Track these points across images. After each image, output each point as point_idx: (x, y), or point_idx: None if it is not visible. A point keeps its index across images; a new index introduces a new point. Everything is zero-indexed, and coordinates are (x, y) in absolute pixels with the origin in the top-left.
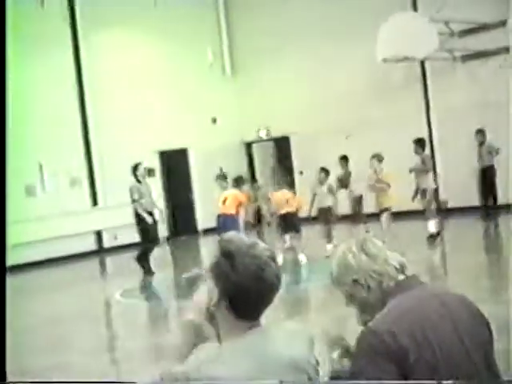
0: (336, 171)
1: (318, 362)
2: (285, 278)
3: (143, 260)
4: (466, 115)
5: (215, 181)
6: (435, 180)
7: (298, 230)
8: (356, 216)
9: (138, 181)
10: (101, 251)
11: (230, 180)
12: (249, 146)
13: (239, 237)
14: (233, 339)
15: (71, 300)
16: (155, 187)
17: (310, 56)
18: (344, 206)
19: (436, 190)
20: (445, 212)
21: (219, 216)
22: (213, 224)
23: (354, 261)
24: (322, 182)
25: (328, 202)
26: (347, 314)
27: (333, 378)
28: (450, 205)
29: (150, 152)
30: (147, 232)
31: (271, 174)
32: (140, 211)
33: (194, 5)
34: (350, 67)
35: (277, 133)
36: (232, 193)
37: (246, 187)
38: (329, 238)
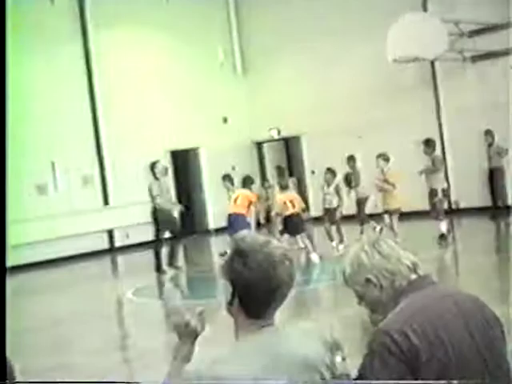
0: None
1: (333, 363)
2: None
3: (172, 257)
4: (476, 116)
5: (222, 181)
6: (447, 180)
7: (302, 231)
8: (358, 217)
9: (156, 178)
10: (112, 250)
11: (236, 181)
12: (259, 145)
13: (253, 235)
14: (246, 338)
15: (83, 299)
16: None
17: (321, 56)
18: (350, 207)
19: (446, 191)
20: (456, 212)
21: (230, 215)
22: (224, 223)
23: (367, 260)
24: (328, 183)
25: (335, 202)
26: (356, 314)
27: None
28: (462, 205)
29: (161, 151)
30: (169, 224)
31: (276, 175)
32: (160, 207)
33: (205, 3)
34: (360, 67)
35: (288, 132)
36: (243, 192)
37: (256, 187)
38: (340, 237)
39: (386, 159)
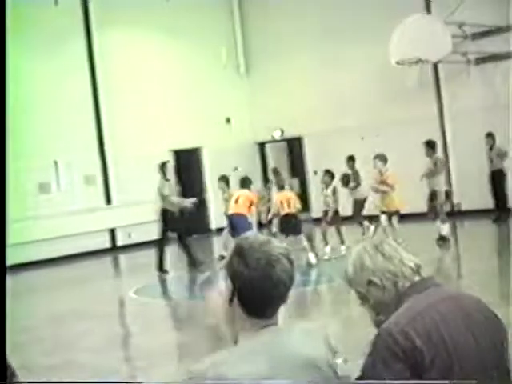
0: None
1: (336, 364)
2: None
3: (188, 254)
4: (479, 118)
5: (218, 182)
6: (449, 182)
7: (298, 232)
8: (357, 217)
9: (167, 179)
10: (114, 249)
11: (234, 182)
12: (262, 146)
13: (255, 235)
14: (247, 337)
15: (85, 298)
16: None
17: (324, 57)
18: (348, 209)
19: (448, 193)
20: (458, 214)
21: (231, 215)
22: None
23: (369, 261)
24: (326, 185)
25: (332, 204)
26: (356, 315)
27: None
28: (464, 207)
29: (164, 151)
30: (176, 224)
31: (273, 176)
32: (172, 207)
33: (209, 4)
34: (364, 69)
35: (290, 133)
36: (244, 192)
37: (255, 187)
38: (340, 239)
39: (384, 160)
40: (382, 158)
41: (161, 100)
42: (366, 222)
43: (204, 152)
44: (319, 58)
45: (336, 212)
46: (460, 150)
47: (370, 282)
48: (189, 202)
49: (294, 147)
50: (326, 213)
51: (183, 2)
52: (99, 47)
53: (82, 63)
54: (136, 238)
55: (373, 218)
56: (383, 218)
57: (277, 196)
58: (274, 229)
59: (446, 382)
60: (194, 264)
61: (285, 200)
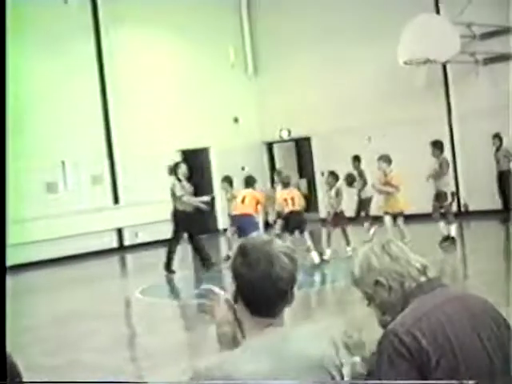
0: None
1: (342, 364)
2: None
3: (200, 255)
4: (487, 118)
5: (221, 183)
6: (456, 183)
7: (302, 230)
8: (366, 218)
9: (179, 179)
10: (121, 249)
11: (237, 182)
12: (270, 145)
13: (258, 236)
14: (253, 337)
15: (91, 297)
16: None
17: (332, 56)
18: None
19: (454, 193)
20: (465, 215)
21: (238, 216)
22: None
23: (376, 262)
24: (330, 186)
25: (336, 205)
26: (359, 315)
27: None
28: (471, 208)
29: (172, 151)
30: (188, 224)
31: (277, 175)
32: (183, 207)
33: (217, 4)
34: (372, 69)
35: (298, 133)
36: (250, 192)
37: (259, 186)
38: (346, 240)
39: (388, 161)
40: (386, 159)
41: (168, 100)
42: (366, 224)
43: (212, 152)
44: (328, 59)
45: (341, 213)
46: (468, 150)
47: (376, 283)
48: (202, 201)
49: (301, 147)
50: (329, 214)
51: (192, 2)
52: (108, 46)
53: (91, 62)
54: (143, 238)
55: (377, 219)
56: (387, 218)
57: (281, 193)
58: (278, 230)
59: (453, 382)
60: (204, 265)
61: (289, 197)
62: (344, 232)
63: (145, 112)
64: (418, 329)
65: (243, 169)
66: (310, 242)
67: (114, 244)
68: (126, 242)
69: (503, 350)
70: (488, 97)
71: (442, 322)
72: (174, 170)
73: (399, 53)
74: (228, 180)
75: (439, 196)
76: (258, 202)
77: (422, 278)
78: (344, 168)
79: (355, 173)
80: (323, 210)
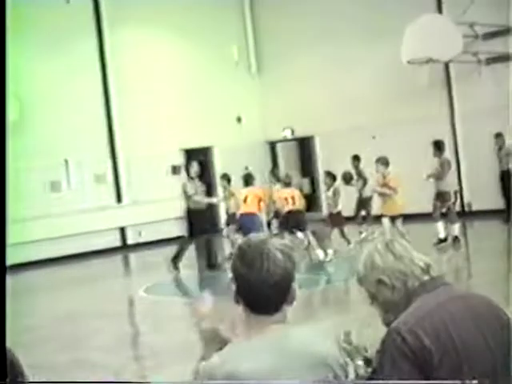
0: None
1: (346, 363)
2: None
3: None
4: (490, 118)
5: (220, 180)
6: (459, 182)
7: (303, 229)
8: (367, 217)
9: (191, 178)
10: (125, 248)
11: (235, 180)
12: (273, 145)
13: (256, 235)
14: (254, 335)
15: (95, 296)
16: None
17: (336, 56)
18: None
19: (456, 193)
20: (468, 215)
21: (242, 215)
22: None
23: (380, 260)
24: (328, 186)
25: (333, 206)
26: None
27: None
28: (474, 207)
29: (175, 150)
30: (201, 223)
31: (272, 172)
32: (195, 205)
33: (220, 4)
34: (374, 68)
35: (301, 132)
36: (251, 190)
37: (262, 184)
38: (346, 240)
39: (385, 163)
40: (384, 162)
41: (172, 99)
42: (363, 226)
43: (215, 151)
44: (331, 58)
45: (338, 213)
46: (470, 150)
47: (379, 281)
48: (213, 200)
49: (304, 146)
50: (328, 214)
51: (195, 1)
52: (110, 46)
53: (93, 62)
54: (146, 237)
55: (378, 218)
56: (385, 221)
57: (281, 192)
58: (275, 230)
59: (456, 382)
60: (209, 265)
61: (290, 196)
62: (342, 232)
63: (148, 111)
64: (421, 327)
65: (246, 168)
66: (312, 240)
67: (118, 243)
68: (130, 241)
69: (506, 348)
70: (490, 96)
71: (444, 321)
72: (186, 168)
73: (402, 52)
74: (226, 178)
75: (440, 196)
76: (260, 200)
77: (426, 277)
78: (347, 167)
79: (353, 172)
80: (324, 209)
